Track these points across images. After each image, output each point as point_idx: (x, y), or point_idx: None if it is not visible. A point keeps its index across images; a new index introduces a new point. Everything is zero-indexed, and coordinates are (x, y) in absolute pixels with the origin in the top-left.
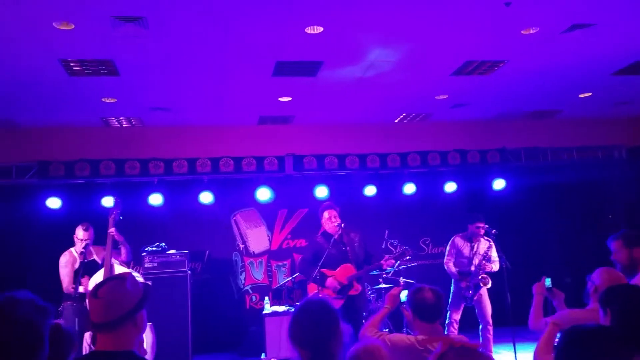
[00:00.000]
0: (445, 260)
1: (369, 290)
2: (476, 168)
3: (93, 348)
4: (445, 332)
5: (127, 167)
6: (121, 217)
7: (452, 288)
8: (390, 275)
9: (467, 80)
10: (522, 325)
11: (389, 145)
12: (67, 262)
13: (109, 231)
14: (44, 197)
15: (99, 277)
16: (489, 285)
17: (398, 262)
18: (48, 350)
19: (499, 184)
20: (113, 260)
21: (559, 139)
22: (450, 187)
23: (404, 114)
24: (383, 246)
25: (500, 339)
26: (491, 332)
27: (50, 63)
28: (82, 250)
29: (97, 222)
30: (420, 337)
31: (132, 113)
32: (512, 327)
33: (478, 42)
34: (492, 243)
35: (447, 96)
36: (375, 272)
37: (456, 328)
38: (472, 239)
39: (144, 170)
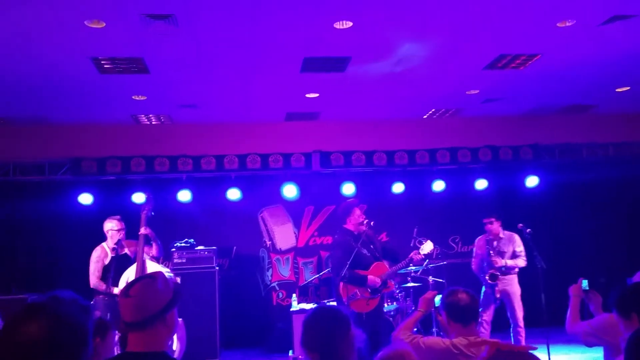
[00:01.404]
0: (472, 261)
1: (397, 289)
2: (508, 165)
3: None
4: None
5: (156, 164)
6: (153, 213)
7: (483, 288)
8: (419, 274)
9: (500, 74)
10: (557, 326)
11: (418, 141)
12: (98, 257)
13: (141, 228)
14: (76, 193)
15: (131, 273)
16: (509, 286)
17: (427, 260)
18: (92, 348)
19: (531, 181)
20: (145, 256)
21: (594, 135)
22: (480, 184)
23: (434, 110)
24: (412, 244)
25: (534, 339)
26: (522, 333)
27: (82, 61)
28: (118, 240)
29: (128, 217)
30: (455, 340)
31: (161, 110)
32: (546, 328)
33: (512, 35)
34: (516, 239)
35: (478, 91)
36: (404, 270)
37: (487, 329)
38: (488, 237)
39: (173, 167)
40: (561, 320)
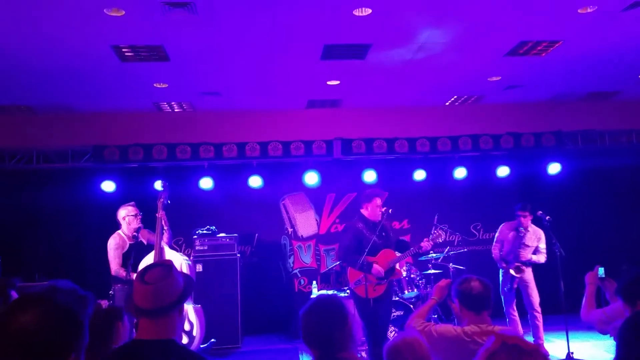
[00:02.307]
0: (492, 247)
1: (418, 276)
2: (530, 152)
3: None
4: (507, 318)
5: (178, 152)
6: (169, 202)
7: (501, 276)
8: (439, 261)
9: (522, 61)
10: (576, 313)
11: (439, 128)
12: (117, 244)
13: (157, 215)
14: (99, 180)
15: (149, 260)
16: (525, 274)
17: (432, 244)
18: (88, 339)
19: (554, 168)
20: (162, 243)
21: (617, 122)
22: (502, 171)
23: (455, 97)
24: (432, 231)
25: (552, 327)
26: (539, 319)
27: (103, 49)
28: (138, 227)
29: (150, 205)
30: (467, 327)
31: (183, 98)
32: (565, 315)
33: (533, 21)
34: (542, 235)
35: (500, 78)
36: (424, 257)
37: (515, 310)
38: (518, 227)
39: (194, 155)
40: (579, 308)
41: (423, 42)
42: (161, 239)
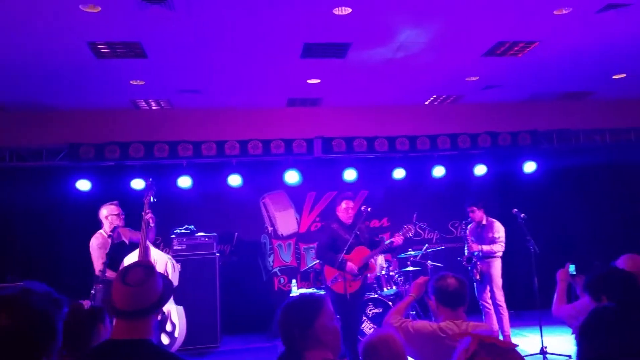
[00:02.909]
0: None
1: (397, 273)
2: (507, 151)
3: None
4: (482, 312)
5: (156, 150)
6: (155, 200)
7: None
8: (418, 258)
9: (499, 61)
10: (549, 308)
11: (419, 127)
12: (101, 244)
13: (143, 214)
14: (74, 179)
15: (134, 258)
16: (489, 268)
17: (403, 237)
18: (61, 342)
19: (529, 167)
20: (147, 242)
21: (591, 121)
22: (480, 169)
23: (435, 96)
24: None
25: (526, 322)
26: (504, 312)
27: (79, 46)
28: (114, 227)
29: (127, 204)
30: (443, 324)
31: (160, 95)
32: (539, 311)
33: (510, 22)
34: (496, 225)
35: (478, 78)
36: (402, 255)
37: (487, 301)
38: (471, 223)
39: (173, 153)
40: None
41: (402, 42)
42: (147, 237)
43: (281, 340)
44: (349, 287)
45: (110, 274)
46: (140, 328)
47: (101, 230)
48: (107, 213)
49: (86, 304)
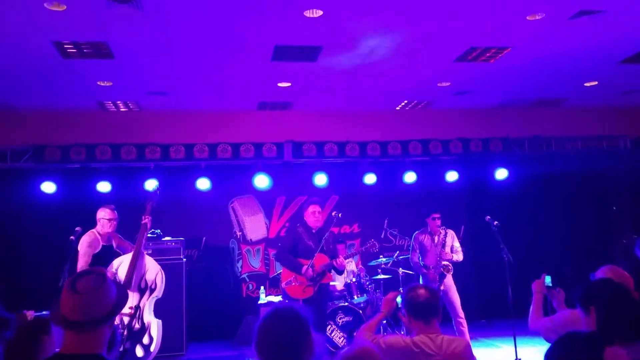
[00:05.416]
0: (410, 257)
1: (367, 280)
2: (479, 157)
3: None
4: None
5: (123, 152)
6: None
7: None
8: (389, 265)
9: (471, 67)
10: (523, 318)
11: (390, 132)
12: (90, 242)
13: (143, 217)
14: (39, 181)
15: (125, 264)
16: (446, 279)
17: (345, 263)
18: None
19: (501, 174)
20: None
21: (563, 128)
22: (451, 176)
23: (406, 101)
24: (382, 236)
25: (500, 332)
26: (464, 324)
27: (44, 45)
28: (108, 231)
29: (92, 207)
30: (417, 338)
31: (128, 97)
32: (512, 320)
33: (482, 27)
34: (454, 233)
35: (449, 83)
36: (373, 263)
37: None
38: (432, 232)
39: (140, 155)
40: (528, 313)
41: (374, 46)
42: (142, 244)
43: (274, 354)
44: (302, 293)
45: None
46: (91, 341)
47: (94, 230)
48: (101, 216)
49: (30, 314)
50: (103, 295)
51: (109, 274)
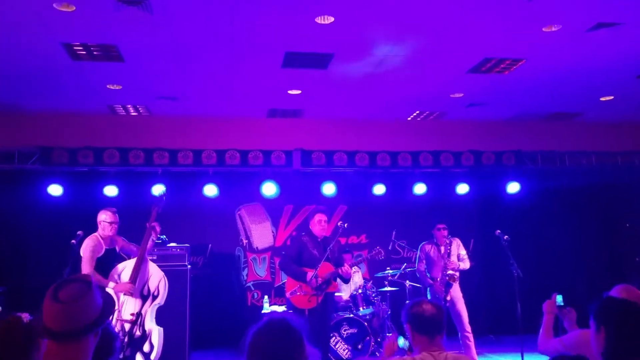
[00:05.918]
0: (416, 266)
1: (374, 292)
2: (490, 170)
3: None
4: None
5: (131, 156)
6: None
7: (429, 296)
8: (396, 277)
9: (485, 78)
10: (532, 334)
11: (401, 143)
12: (94, 247)
13: (148, 224)
14: (46, 184)
15: (128, 269)
16: (453, 291)
17: (351, 271)
18: None
19: (513, 187)
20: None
21: (577, 143)
22: (462, 188)
23: (418, 112)
24: (390, 247)
25: (508, 347)
26: (471, 338)
27: (53, 47)
28: (109, 234)
29: (98, 211)
30: (419, 356)
31: (138, 101)
32: (521, 336)
33: (497, 38)
34: (459, 241)
35: (462, 94)
36: (380, 274)
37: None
38: (438, 242)
39: (148, 160)
40: (536, 329)
41: (386, 55)
42: (147, 250)
43: None
44: (307, 303)
45: (96, 278)
46: (74, 353)
47: (96, 234)
48: (102, 219)
49: (25, 317)
50: (87, 305)
51: (94, 280)
